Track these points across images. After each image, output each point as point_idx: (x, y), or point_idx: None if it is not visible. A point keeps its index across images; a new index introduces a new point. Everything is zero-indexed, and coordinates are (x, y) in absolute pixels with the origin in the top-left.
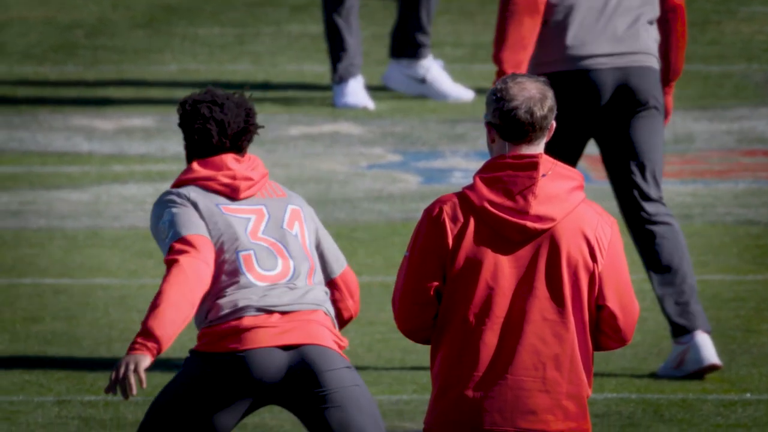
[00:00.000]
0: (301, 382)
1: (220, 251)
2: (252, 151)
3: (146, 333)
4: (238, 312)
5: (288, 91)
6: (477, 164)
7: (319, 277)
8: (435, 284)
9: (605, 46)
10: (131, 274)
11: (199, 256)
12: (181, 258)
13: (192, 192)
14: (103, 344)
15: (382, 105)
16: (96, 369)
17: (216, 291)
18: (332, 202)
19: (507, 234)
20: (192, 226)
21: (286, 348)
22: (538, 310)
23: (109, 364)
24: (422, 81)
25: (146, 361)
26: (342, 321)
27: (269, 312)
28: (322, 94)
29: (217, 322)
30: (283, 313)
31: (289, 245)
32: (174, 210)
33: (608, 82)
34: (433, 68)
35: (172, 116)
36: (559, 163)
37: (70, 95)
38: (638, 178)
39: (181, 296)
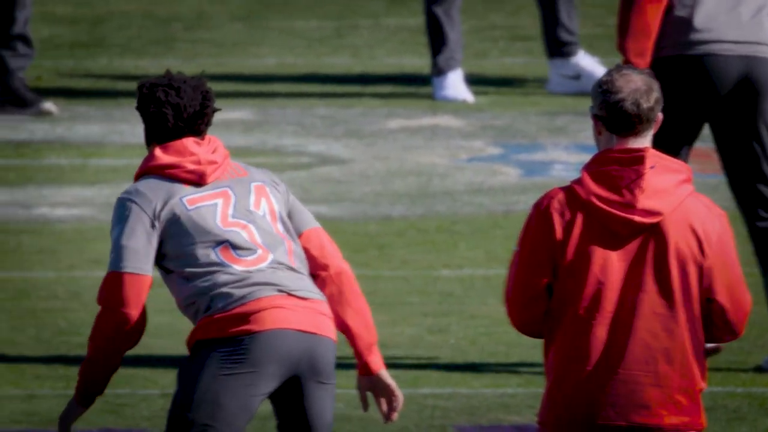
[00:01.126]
0: (306, 368)
1: (186, 252)
2: (352, 144)
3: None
4: (247, 297)
5: (387, 85)
6: (577, 157)
7: (299, 255)
8: (545, 278)
9: (731, 32)
10: None
11: (127, 309)
12: (115, 313)
13: (157, 190)
14: None
15: (482, 98)
16: None
17: (204, 288)
18: (432, 196)
19: (614, 228)
20: (132, 260)
21: (300, 332)
22: (648, 305)
23: None
24: (577, 78)
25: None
26: (321, 280)
27: (285, 294)
28: (421, 88)
29: (221, 310)
30: (298, 297)
31: (260, 228)
32: (126, 225)
33: (732, 70)
34: (585, 63)
35: (270, 109)
36: (666, 157)
37: None
38: (758, 172)
39: (111, 355)
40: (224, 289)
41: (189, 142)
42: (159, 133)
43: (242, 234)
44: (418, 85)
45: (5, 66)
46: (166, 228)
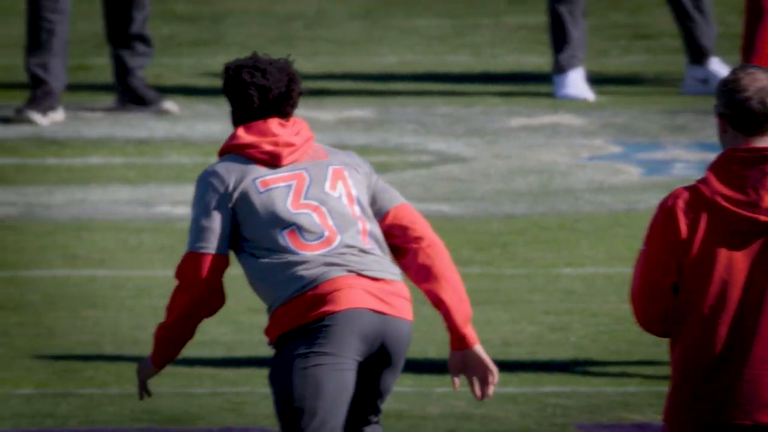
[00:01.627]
0: (378, 348)
1: (258, 234)
2: (473, 143)
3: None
4: (319, 278)
5: (507, 83)
6: (698, 155)
7: (375, 236)
8: (670, 277)
9: None
10: None
11: (202, 287)
12: (189, 292)
13: (232, 171)
14: None
15: (602, 96)
16: None
17: (274, 271)
18: (554, 194)
19: (739, 227)
20: (209, 240)
21: (374, 312)
22: None
23: None
24: (704, 82)
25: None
26: (413, 253)
27: (354, 274)
28: (542, 86)
29: (295, 295)
30: (371, 278)
31: (333, 210)
32: (204, 206)
33: None
34: (714, 68)
35: (392, 108)
36: None
37: None
38: None
39: (184, 327)
40: (295, 274)
41: (273, 122)
42: (245, 114)
43: (313, 216)
44: (539, 84)
45: (125, 65)
46: (239, 209)
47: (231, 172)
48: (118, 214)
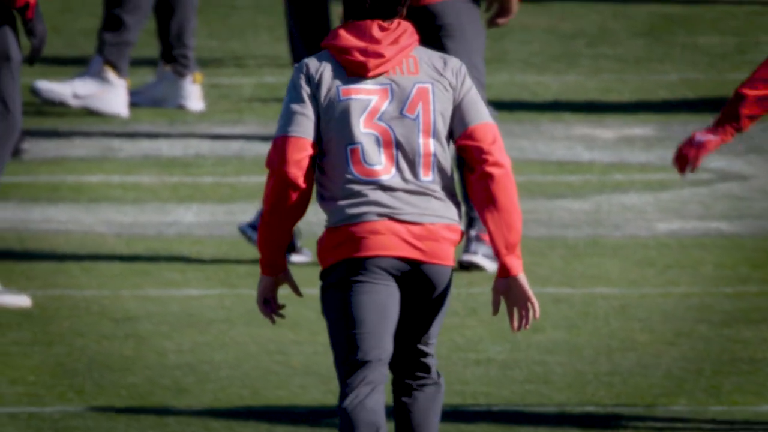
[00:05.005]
0: (411, 290)
1: (329, 139)
2: (753, 160)
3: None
4: (355, 216)
5: None
6: None
7: (440, 164)
8: None
9: None
10: (631, 283)
11: (290, 170)
12: (279, 176)
13: (324, 69)
14: (603, 354)
15: None
16: (597, 379)
17: (325, 185)
18: None
19: None
20: (298, 125)
21: (402, 260)
22: None
23: (610, 374)
24: None
25: (266, 280)
26: (478, 174)
27: (392, 219)
28: None
29: (336, 225)
30: (407, 222)
31: (401, 134)
32: (291, 97)
33: None
34: None
35: (673, 126)
36: None
37: (572, 104)
38: None
39: (281, 218)
40: (342, 201)
41: (374, 25)
42: (356, 12)
43: (379, 139)
44: None
45: None
46: (321, 109)
47: (323, 70)
48: None
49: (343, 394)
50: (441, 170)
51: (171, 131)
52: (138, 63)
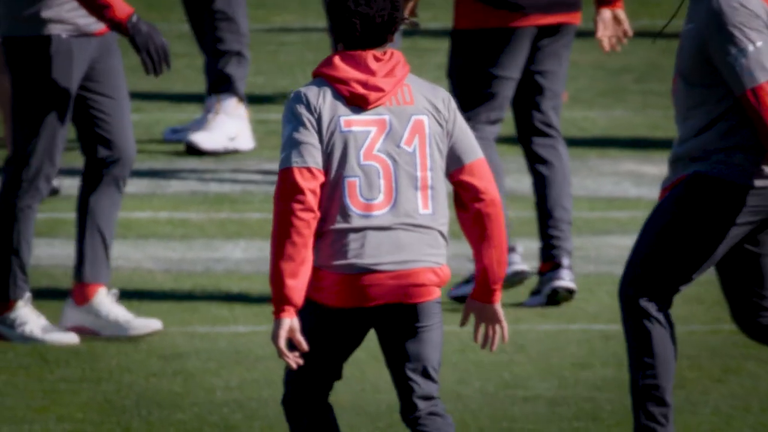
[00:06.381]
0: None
1: (327, 171)
2: None
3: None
4: (339, 267)
5: None
6: None
7: (436, 196)
8: None
9: None
10: (679, 320)
11: (303, 200)
12: (289, 208)
13: (324, 99)
14: None
15: None
16: None
17: (324, 217)
18: None
19: None
20: (304, 155)
21: (380, 306)
22: None
23: None
24: None
25: (288, 323)
26: (480, 212)
27: (376, 272)
28: None
29: (319, 266)
30: (391, 271)
31: (401, 168)
32: (294, 127)
33: None
34: None
35: None
36: None
37: (619, 140)
38: None
39: (295, 249)
40: (330, 241)
41: (369, 57)
42: (346, 39)
43: (379, 171)
44: None
45: None
46: (322, 138)
47: (323, 100)
48: None
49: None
50: (439, 203)
51: (219, 167)
52: (185, 99)
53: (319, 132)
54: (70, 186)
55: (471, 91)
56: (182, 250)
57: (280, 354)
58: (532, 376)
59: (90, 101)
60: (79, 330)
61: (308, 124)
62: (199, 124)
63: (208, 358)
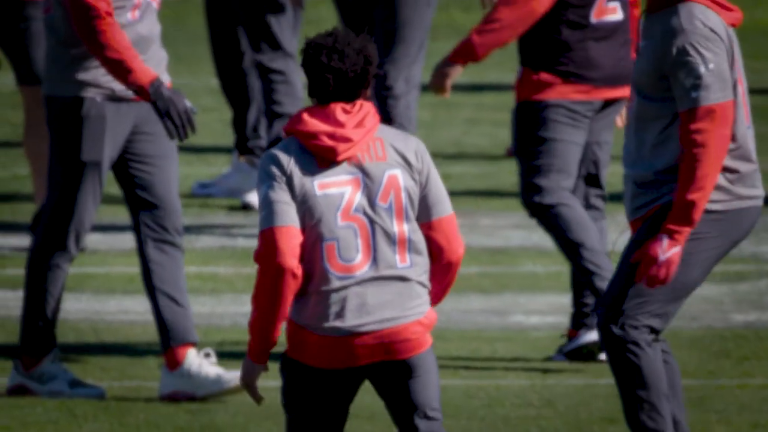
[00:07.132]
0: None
1: (304, 232)
2: None
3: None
4: (320, 329)
5: None
6: None
7: (415, 247)
8: None
9: None
10: (708, 374)
11: (285, 260)
12: (270, 269)
13: (294, 161)
14: None
15: None
16: None
17: (304, 277)
18: None
19: None
20: (283, 214)
21: (362, 366)
22: None
23: None
24: None
25: (261, 369)
26: (441, 266)
27: (358, 334)
28: None
29: (300, 325)
30: (373, 332)
31: (378, 226)
32: (269, 187)
33: None
34: None
35: None
36: None
37: None
38: None
39: (277, 306)
40: (311, 303)
41: (337, 109)
42: (319, 94)
43: (356, 231)
44: None
45: None
46: (296, 200)
47: (293, 161)
48: (471, 323)
49: None
50: (417, 254)
51: (246, 222)
52: (213, 153)
53: (292, 193)
54: (97, 241)
55: (542, 161)
56: (211, 304)
57: (253, 392)
58: (560, 430)
59: (133, 166)
60: (174, 396)
61: (282, 184)
62: (225, 178)
63: (236, 412)
